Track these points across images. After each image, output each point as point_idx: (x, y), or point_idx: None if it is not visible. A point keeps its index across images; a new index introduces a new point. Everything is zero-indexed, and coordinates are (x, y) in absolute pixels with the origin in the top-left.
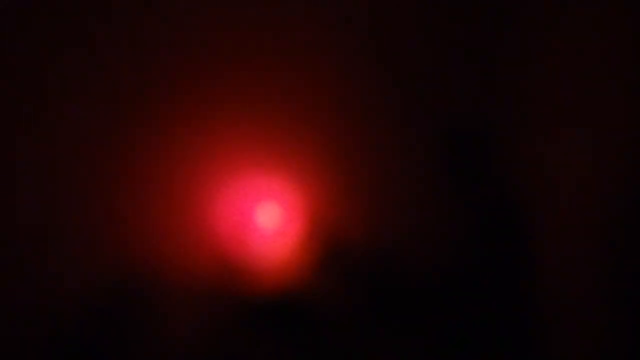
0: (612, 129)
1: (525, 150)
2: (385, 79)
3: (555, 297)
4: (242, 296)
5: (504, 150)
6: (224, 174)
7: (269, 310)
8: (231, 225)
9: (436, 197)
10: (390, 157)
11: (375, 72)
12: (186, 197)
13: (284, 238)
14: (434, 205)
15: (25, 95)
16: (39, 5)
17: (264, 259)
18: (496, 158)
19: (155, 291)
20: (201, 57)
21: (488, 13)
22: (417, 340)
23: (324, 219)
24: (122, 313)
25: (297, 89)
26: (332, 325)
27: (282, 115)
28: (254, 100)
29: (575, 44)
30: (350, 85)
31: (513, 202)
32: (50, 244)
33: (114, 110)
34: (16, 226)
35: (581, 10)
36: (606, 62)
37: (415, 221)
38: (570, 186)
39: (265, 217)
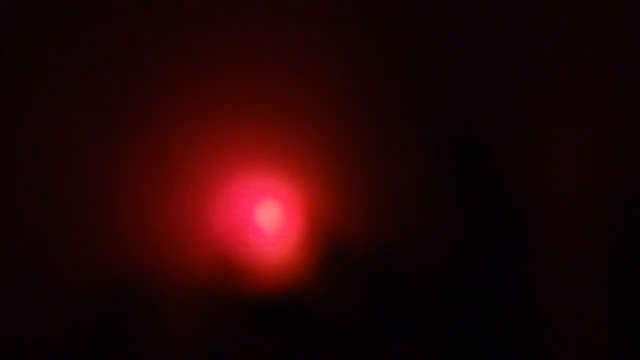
0: (612, 129)
1: (525, 150)
2: (385, 79)
3: (555, 297)
4: (242, 296)
5: (504, 150)
6: (224, 174)
7: (269, 310)
8: (231, 225)
9: (436, 197)
10: (390, 157)
11: (376, 72)
12: (186, 197)
13: (284, 238)
14: (434, 205)
15: (25, 95)
16: (39, 5)
17: (264, 258)
18: (496, 158)
19: (155, 291)
20: (201, 57)
21: (488, 13)
22: (417, 340)
23: (324, 219)
24: (122, 313)
25: (297, 89)
26: (332, 325)
27: (282, 115)
28: (253, 100)
29: (575, 44)
30: (350, 85)
31: (513, 203)
32: (50, 244)
33: (114, 110)
34: (16, 226)
35: (581, 10)
36: (606, 62)
37: (415, 221)
38: (570, 186)
39: (265, 217)
